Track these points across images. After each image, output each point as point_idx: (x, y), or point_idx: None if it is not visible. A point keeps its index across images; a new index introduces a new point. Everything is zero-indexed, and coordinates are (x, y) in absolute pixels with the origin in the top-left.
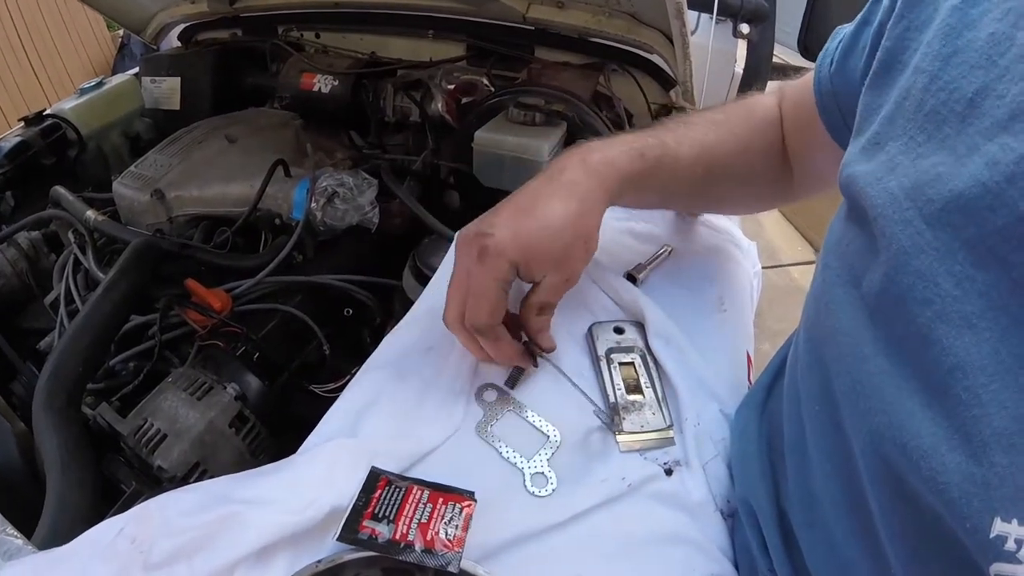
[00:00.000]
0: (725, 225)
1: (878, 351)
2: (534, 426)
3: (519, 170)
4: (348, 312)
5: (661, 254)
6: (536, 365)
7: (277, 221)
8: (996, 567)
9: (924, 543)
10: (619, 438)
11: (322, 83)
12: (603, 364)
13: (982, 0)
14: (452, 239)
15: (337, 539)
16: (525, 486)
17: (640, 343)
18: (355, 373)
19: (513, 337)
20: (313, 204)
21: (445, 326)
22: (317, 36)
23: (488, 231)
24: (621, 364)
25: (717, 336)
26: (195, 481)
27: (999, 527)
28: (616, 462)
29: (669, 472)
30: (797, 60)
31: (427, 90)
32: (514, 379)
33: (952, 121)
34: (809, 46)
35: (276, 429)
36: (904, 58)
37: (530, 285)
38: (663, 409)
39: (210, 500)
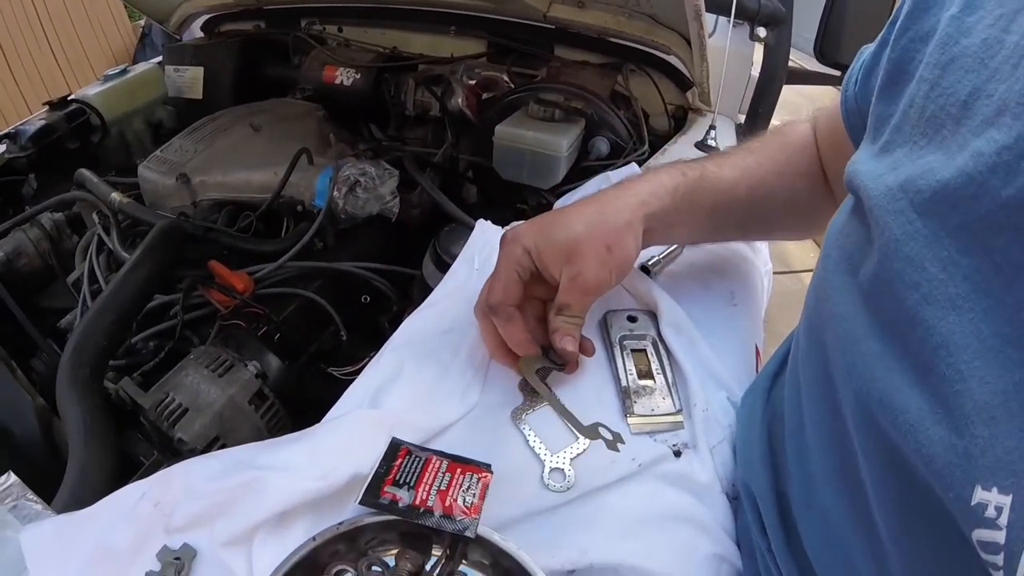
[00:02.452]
0: None
1: (871, 333)
2: (567, 425)
3: (538, 164)
4: (366, 299)
5: (674, 249)
6: (560, 365)
7: (299, 208)
8: (978, 533)
9: (913, 515)
10: (630, 420)
11: (344, 76)
12: (616, 350)
13: (978, 8)
14: (473, 227)
15: (359, 503)
16: (542, 478)
17: (652, 331)
18: (372, 356)
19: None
20: (335, 192)
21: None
22: (340, 30)
23: (515, 226)
24: (633, 351)
25: (727, 329)
26: None
27: (980, 495)
28: (627, 443)
29: (678, 454)
30: (813, 65)
31: (448, 85)
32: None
33: (948, 123)
34: (825, 51)
35: (294, 409)
36: (910, 69)
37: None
38: (673, 394)
39: (233, 466)
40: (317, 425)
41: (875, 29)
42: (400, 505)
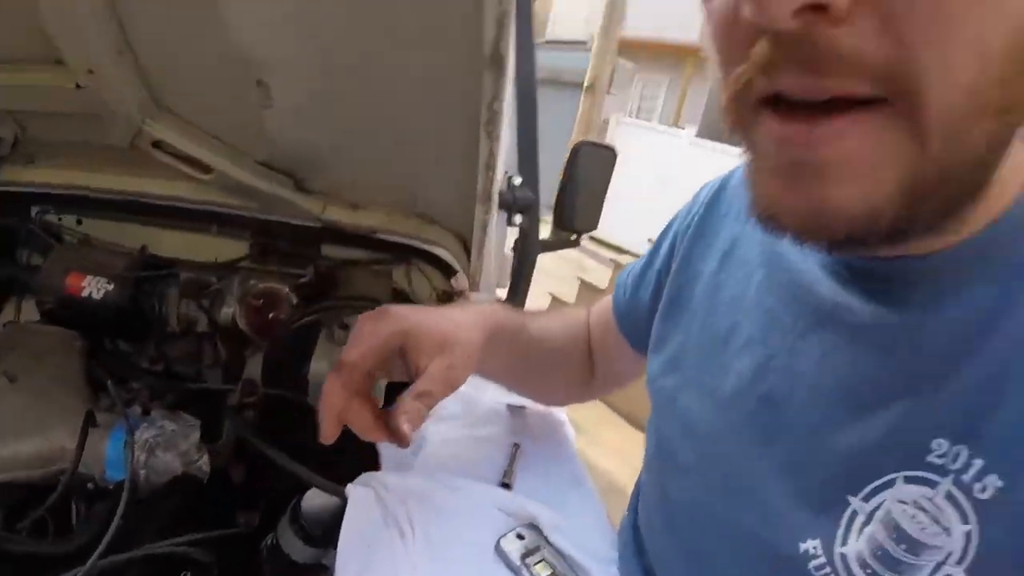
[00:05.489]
0: (538, 408)
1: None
2: None
3: None
4: None
5: (515, 454)
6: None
7: (90, 485)
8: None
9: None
10: None
11: (94, 287)
12: (524, 572)
13: (729, 268)
14: (344, 496)
15: None
16: None
17: (541, 540)
18: None
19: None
20: (136, 462)
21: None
22: (79, 222)
23: (388, 307)
24: (537, 563)
25: (588, 508)
26: None
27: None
28: None
29: None
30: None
31: (218, 294)
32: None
33: (717, 348)
34: (564, 222)
35: None
36: (683, 303)
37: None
38: None
39: None
40: None
41: (598, 197)
42: None
